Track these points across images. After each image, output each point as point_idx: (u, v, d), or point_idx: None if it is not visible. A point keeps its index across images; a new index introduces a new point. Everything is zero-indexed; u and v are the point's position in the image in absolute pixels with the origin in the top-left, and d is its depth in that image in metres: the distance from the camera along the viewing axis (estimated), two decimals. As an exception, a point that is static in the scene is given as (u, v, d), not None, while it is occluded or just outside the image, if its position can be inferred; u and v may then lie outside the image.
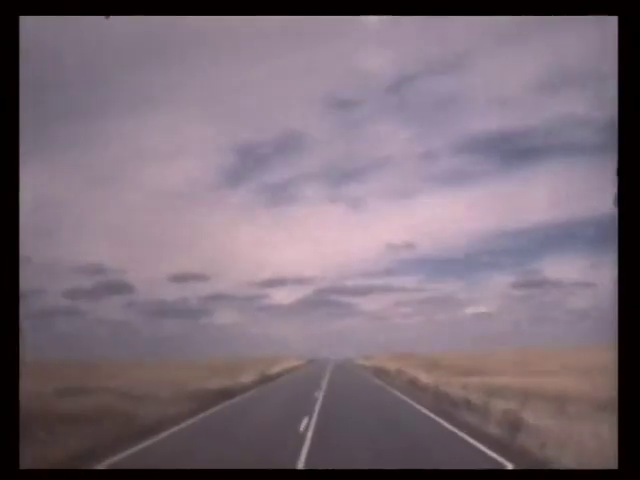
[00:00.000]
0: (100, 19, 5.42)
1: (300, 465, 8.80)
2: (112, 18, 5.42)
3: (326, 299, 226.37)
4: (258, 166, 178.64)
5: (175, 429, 13.92)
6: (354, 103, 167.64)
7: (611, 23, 4.98)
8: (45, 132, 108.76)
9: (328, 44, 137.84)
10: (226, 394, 23.85)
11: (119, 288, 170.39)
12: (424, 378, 30.05)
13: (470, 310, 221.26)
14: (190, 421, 15.54)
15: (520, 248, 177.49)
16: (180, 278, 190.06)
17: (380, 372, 44.82)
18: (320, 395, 23.42)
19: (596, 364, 26.03)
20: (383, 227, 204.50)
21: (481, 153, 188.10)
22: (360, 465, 8.73)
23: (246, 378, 34.14)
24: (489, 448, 10.12)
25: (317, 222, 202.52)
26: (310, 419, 14.79)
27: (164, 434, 13.03)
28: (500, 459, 9.12)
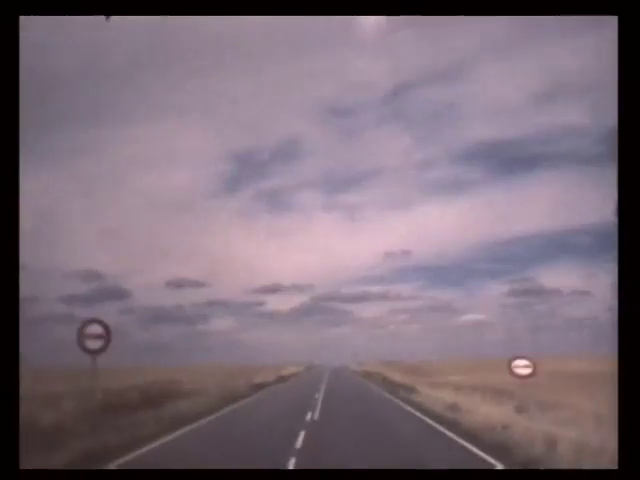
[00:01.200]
0: (100, 20, 5.34)
1: (319, 403, 22.05)
2: (112, 21, 5.35)
3: (322, 306, 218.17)
4: (256, 174, 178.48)
5: (259, 394, 28.62)
6: (352, 111, 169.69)
7: (611, 24, 5.02)
8: (41, 137, 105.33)
9: (326, 53, 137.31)
10: (264, 385, 37.68)
11: (116, 295, 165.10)
12: (397, 378, 43.50)
13: (466, 318, 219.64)
14: (259, 392, 30.09)
15: (516, 256, 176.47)
16: (177, 285, 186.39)
17: (367, 375, 59.21)
18: (323, 386, 37.39)
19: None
20: (380, 235, 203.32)
21: (478, 162, 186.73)
22: (344, 404, 22.03)
23: (268, 378, 47.73)
24: (395, 398, 24.31)
25: (314, 230, 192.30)
26: (319, 394, 28.63)
27: (255, 395, 27.55)
28: (395, 399, 23.35)
